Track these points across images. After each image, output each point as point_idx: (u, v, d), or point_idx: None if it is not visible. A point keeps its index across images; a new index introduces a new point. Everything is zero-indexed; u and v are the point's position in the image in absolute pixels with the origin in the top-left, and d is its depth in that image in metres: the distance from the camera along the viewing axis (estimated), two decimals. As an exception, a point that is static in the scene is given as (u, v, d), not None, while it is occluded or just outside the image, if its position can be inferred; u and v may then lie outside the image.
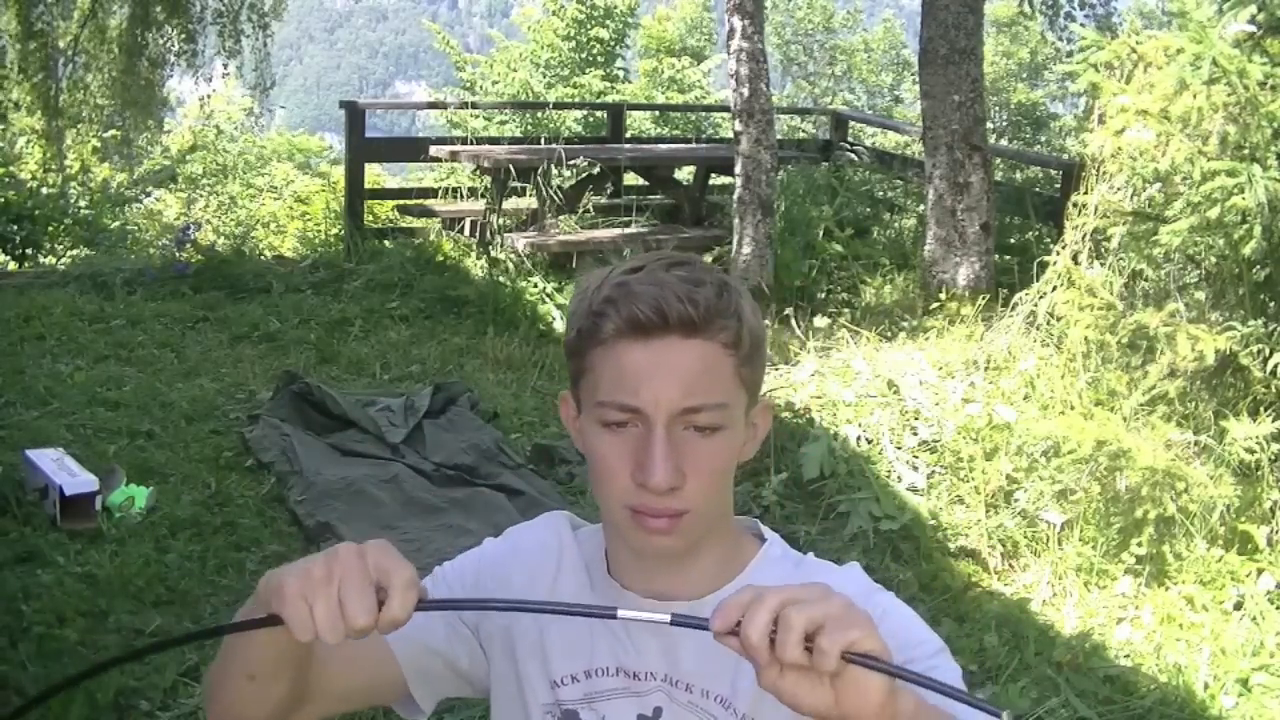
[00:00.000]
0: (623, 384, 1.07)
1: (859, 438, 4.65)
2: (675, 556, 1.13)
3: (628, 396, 1.06)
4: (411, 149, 10.36)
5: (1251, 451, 4.11)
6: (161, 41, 10.96)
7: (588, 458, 1.14)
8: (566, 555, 1.23)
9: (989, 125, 7.88)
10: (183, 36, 10.92)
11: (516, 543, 1.27)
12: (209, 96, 13.06)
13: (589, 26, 17.87)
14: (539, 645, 1.20)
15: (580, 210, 8.22)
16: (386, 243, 7.98)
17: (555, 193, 7.86)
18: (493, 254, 7.35)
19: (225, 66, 11.41)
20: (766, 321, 6.60)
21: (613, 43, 18.21)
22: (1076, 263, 4.80)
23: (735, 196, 6.96)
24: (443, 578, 1.26)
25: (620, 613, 0.94)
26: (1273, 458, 4.13)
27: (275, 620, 0.90)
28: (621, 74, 18.64)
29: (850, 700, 0.86)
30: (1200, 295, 4.72)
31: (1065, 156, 11.64)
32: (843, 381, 4.97)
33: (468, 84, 18.00)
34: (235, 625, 0.96)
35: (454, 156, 8.39)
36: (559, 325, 6.81)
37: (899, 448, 4.58)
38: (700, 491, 1.08)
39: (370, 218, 8.78)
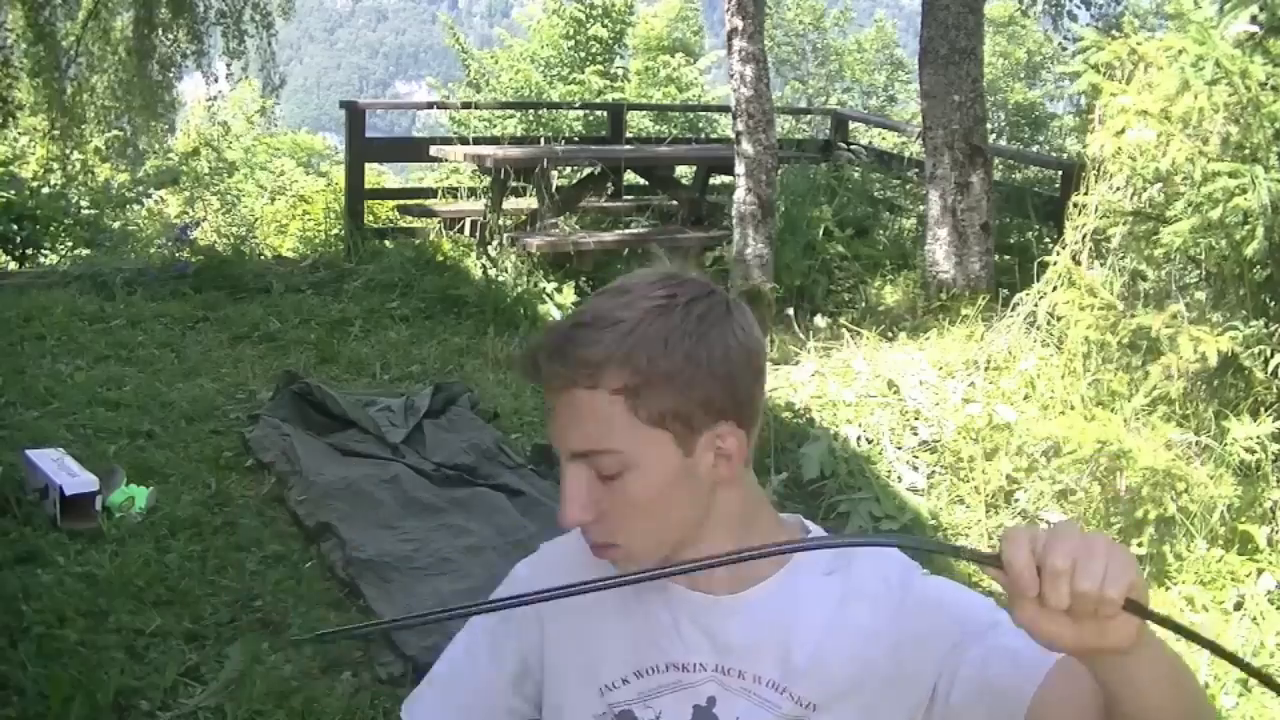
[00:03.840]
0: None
1: (859, 438, 4.65)
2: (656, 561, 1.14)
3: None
4: (411, 149, 10.37)
5: (1252, 452, 4.12)
6: (168, 43, 10.97)
7: None
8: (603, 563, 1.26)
9: (988, 125, 7.88)
10: (188, 37, 10.93)
11: (548, 565, 1.28)
12: (218, 98, 13.09)
13: (587, 25, 17.89)
14: (578, 660, 1.22)
15: (580, 210, 8.22)
16: (387, 243, 7.98)
17: (555, 193, 7.86)
18: (492, 254, 7.35)
19: (229, 67, 11.41)
20: (766, 324, 6.61)
21: (611, 41, 18.22)
22: (1077, 263, 4.80)
23: (735, 197, 6.96)
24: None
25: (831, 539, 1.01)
26: (1273, 458, 4.13)
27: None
28: (621, 73, 18.65)
29: (1111, 636, 0.86)
30: (1201, 296, 4.72)
31: (1065, 156, 11.65)
32: (843, 381, 4.97)
33: (473, 81, 18.02)
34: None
35: (454, 156, 8.39)
36: (559, 325, 6.81)
37: (899, 448, 4.58)
38: (620, 524, 1.09)
39: (370, 218, 8.78)
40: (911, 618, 1.14)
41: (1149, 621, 0.87)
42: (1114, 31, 4.88)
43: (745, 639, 1.16)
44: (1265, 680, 0.92)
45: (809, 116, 13.91)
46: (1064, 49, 15.67)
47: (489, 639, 1.27)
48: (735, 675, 1.16)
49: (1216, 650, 0.91)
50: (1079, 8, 12.86)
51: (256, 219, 11.70)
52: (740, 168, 6.88)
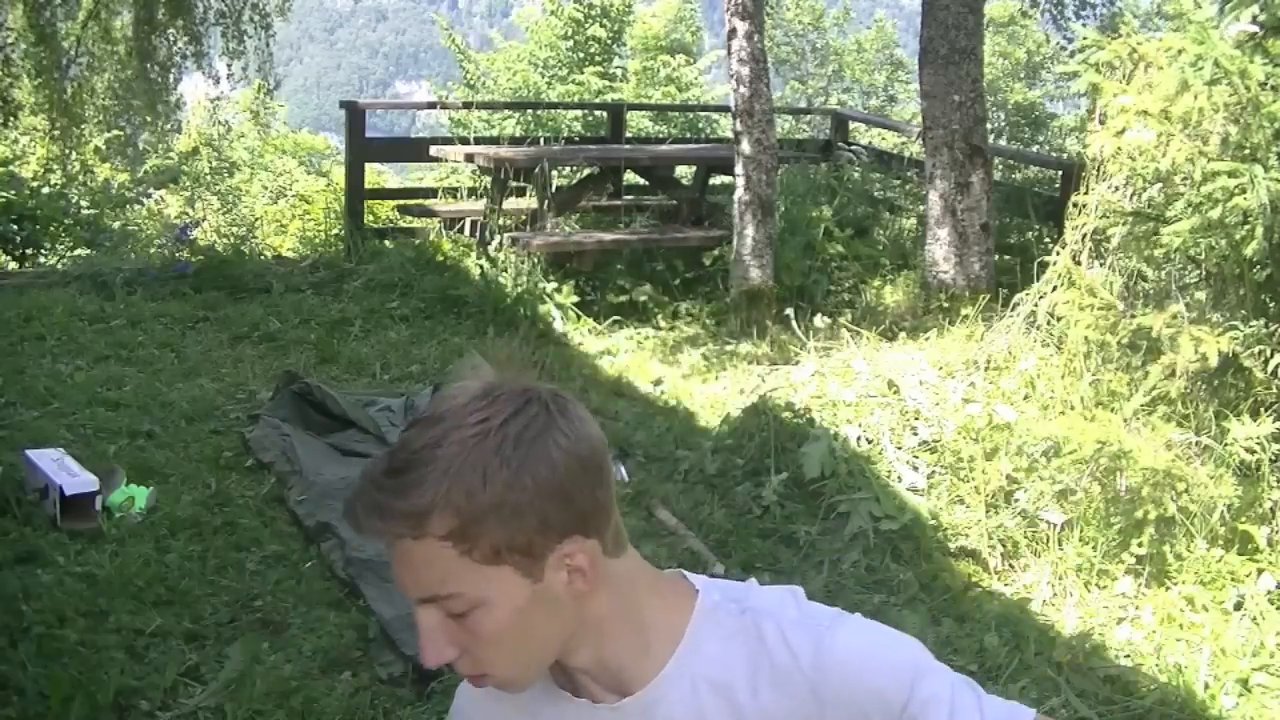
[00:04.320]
0: None
1: (859, 438, 4.65)
2: (532, 684, 1.12)
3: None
4: (411, 149, 10.37)
5: (1252, 452, 4.11)
6: (168, 43, 10.98)
7: None
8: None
9: (988, 125, 7.88)
10: (187, 38, 10.94)
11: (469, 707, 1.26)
12: (221, 98, 13.09)
13: (586, 25, 17.89)
14: None
15: (580, 210, 8.22)
16: (387, 243, 7.98)
17: (555, 193, 7.86)
18: (492, 254, 7.35)
19: (229, 67, 11.42)
20: (768, 323, 6.61)
21: (609, 41, 18.22)
22: (1077, 263, 4.80)
23: (736, 197, 6.96)
24: None
25: None
26: (1273, 458, 4.13)
27: None
28: (619, 73, 18.65)
29: None
30: (1201, 296, 4.72)
31: (1065, 156, 11.65)
32: (843, 381, 4.97)
33: (471, 81, 18.02)
34: None
35: (454, 156, 8.39)
36: (559, 325, 6.82)
37: (899, 448, 4.58)
38: (484, 656, 1.06)
39: (370, 218, 8.78)
40: (830, 699, 1.07)
41: None
42: (1109, 33, 4.88)
43: None
44: None
45: (809, 116, 13.91)
46: (1063, 48, 15.68)
47: None
48: None
49: None
50: (1081, 8, 12.87)
51: (257, 219, 11.70)
52: (740, 168, 6.88)
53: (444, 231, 7.86)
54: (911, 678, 1.06)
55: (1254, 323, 4.36)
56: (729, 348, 6.50)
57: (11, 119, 10.85)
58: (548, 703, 1.15)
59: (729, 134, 7.50)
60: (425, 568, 1.01)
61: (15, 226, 8.98)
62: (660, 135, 13.90)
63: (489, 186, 7.73)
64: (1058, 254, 4.91)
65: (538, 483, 1.01)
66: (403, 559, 1.02)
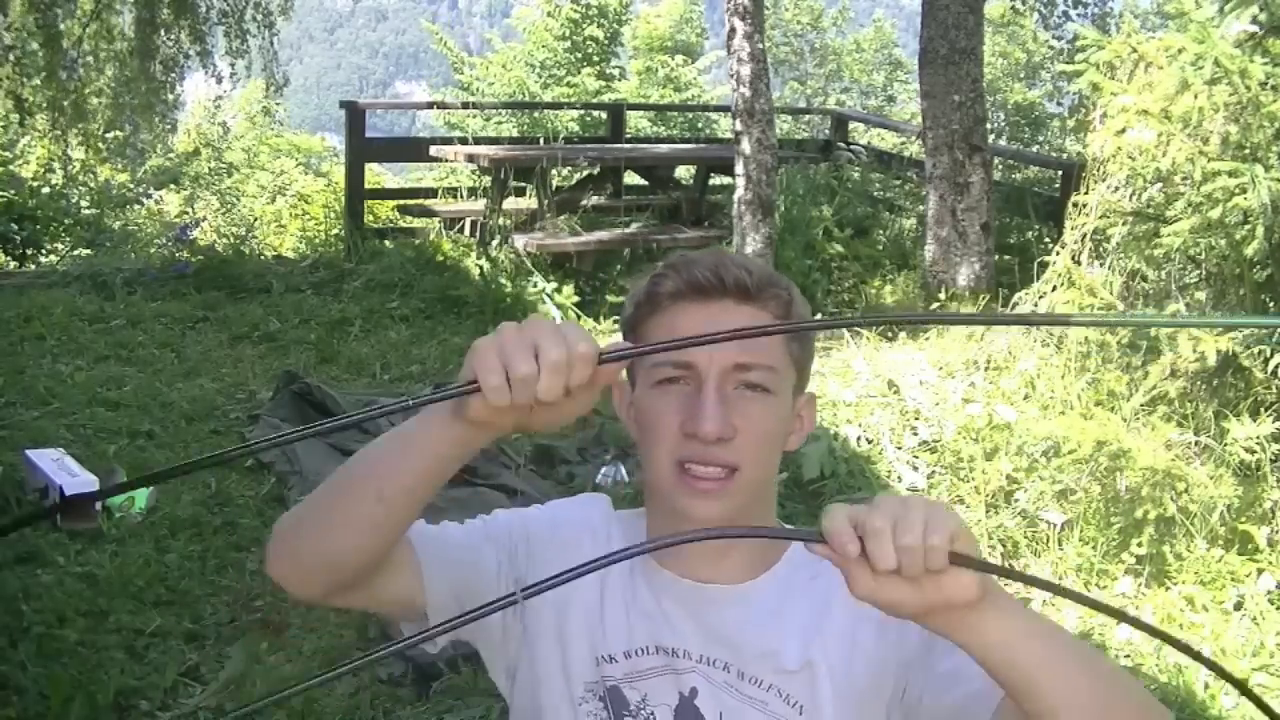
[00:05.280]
0: None
1: (859, 438, 4.65)
2: (720, 524, 1.14)
3: (681, 353, 1.12)
4: (411, 149, 10.36)
5: (1252, 452, 4.11)
6: (170, 43, 10.97)
7: (639, 423, 1.18)
8: (613, 533, 1.26)
9: (988, 125, 7.88)
10: (190, 37, 10.93)
11: (566, 516, 1.29)
12: (222, 98, 13.07)
13: (584, 26, 17.88)
14: (592, 621, 1.22)
15: (580, 210, 8.22)
16: (386, 243, 7.98)
17: (555, 193, 7.86)
18: (492, 254, 7.35)
19: (232, 67, 11.41)
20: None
21: (607, 41, 18.22)
22: (1076, 263, 4.80)
23: (736, 197, 6.96)
24: (498, 525, 1.28)
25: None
26: (1273, 458, 4.13)
27: (474, 387, 0.89)
28: (617, 73, 18.64)
29: (949, 588, 0.87)
30: (1201, 296, 4.72)
31: (1065, 156, 11.65)
32: (843, 381, 4.97)
33: (465, 85, 18.01)
34: (434, 396, 0.93)
35: (454, 157, 8.39)
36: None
37: (899, 448, 4.58)
38: (750, 448, 1.12)
39: (370, 218, 8.78)
40: (894, 627, 1.12)
41: (997, 578, 0.89)
42: (1101, 32, 4.87)
43: (735, 634, 1.17)
44: (1177, 644, 0.94)
45: (809, 116, 13.91)
46: (1052, 48, 15.66)
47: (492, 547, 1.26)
48: (721, 668, 1.17)
49: (1043, 585, 0.96)
50: (1073, 6, 12.86)
51: (256, 219, 11.69)
52: (740, 167, 6.88)
53: (444, 231, 7.86)
54: None
55: (1254, 323, 4.36)
56: (729, 348, 6.49)
57: (26, 118, 10.85)
58: (652, 572, 1.21)
59: (729, 134, 7.50)
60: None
61: (15, 226, 8.98)
62: (660, 135, 13.89)
63: (489, 186, 7.73)
64: (1057, 254, 4.91)
65: (813, 341, 1.24)
66: (734, 319, 1.13)
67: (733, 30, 6.77)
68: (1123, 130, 4.58)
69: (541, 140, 9.28)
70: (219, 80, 11.69)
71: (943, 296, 6.40)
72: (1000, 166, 8.71)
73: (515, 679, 1.27)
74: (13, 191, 9.34)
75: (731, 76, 6.91)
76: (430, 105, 13.62)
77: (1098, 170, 4.86)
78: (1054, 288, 4.87)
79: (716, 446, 1.11)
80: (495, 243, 7.36)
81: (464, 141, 8.81)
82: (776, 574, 1.20)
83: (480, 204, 7.87)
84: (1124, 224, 4.76)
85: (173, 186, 13.38)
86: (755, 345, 1.12)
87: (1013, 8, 15.35)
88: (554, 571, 1.14)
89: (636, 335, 1.19)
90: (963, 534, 0.86)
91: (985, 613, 0.89)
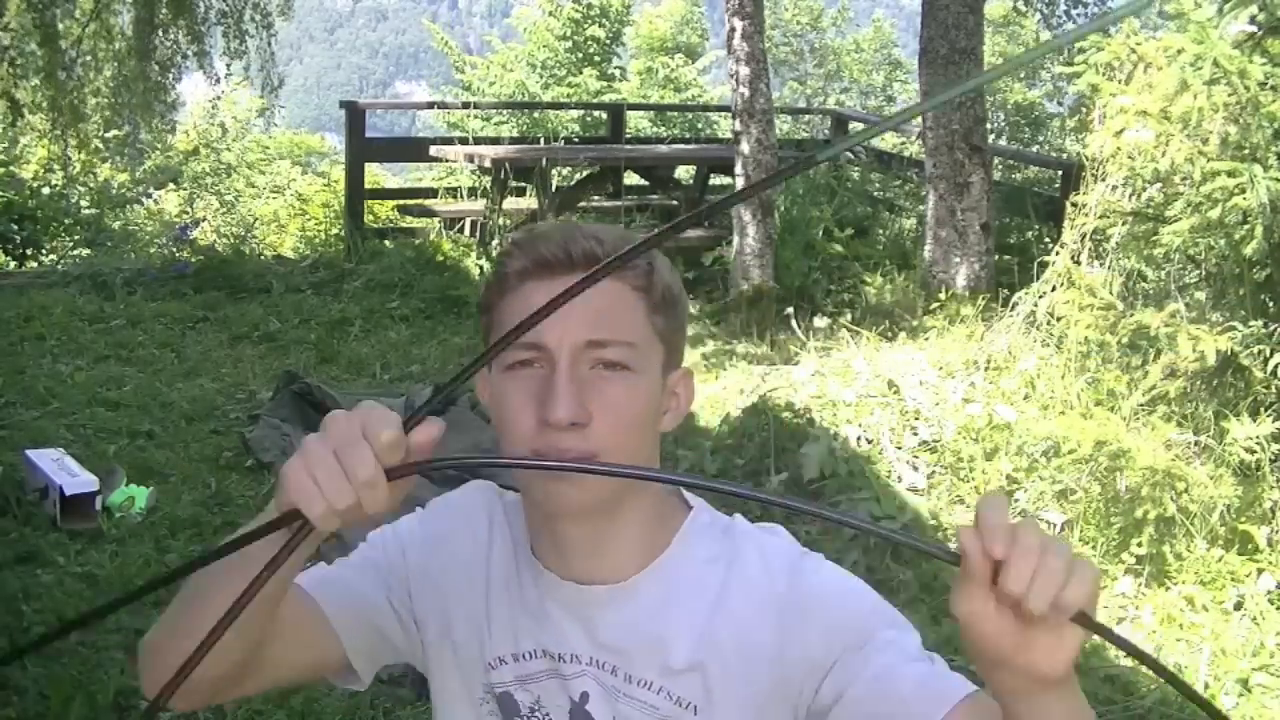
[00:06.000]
0: None
1: (859, 438, 4.65)
2: (585, 515, 1.07)
3: (531, 334, 0.99)
4: (411, 149, 10.37)
5: (1252, 452, 4.12)
6: (169, 43, 10.97)
7: (496, 414, 1.09)
8: (497, 533, 1.19)
9: (988, 125, 7.89)
10: (189, 38, 10.93)
11: (439, 529, 1.22)
12: (219, 99, 13.07)
13: (585, 26, 17.88)
14: (480, 624, 1.17)
15: (580, 210, 8.22)
16: (386, 243, 7.99)
17: (555, 193, 7.86)
18: (492, 254, 7.35)
19: (229, 67, 11.42)
20: (769, 325, 6.61)
21: (608, 41, 18.22)
22: (1076, 263, 4.80)
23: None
24: (375, 552, 1.21)
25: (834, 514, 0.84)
26: (1273, 458, 4.13)
27: (294, 515, 0.83)
28: (618, 73, 18.64)
29: (1051, 653, 0.78)
30: (1200, 295, 4.72)
31: (1064, 156, 11.65)
32: (843, 381, 4.97)
33: (465, 85, 18.02)
34: (253, 533, 0.84)
35: (454, 157, 8.40)
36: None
37: (899, 448, 4.59)
38: (609, 433, 1.03)
39: (370, 218, 8.79)
40: (797, 622, 1.07)
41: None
42: (1102, 33, 4.87)
43: (620, 638, 1.11)
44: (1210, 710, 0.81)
45: (809, 116, 13.90)
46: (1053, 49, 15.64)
47: (375, 574, 1.20)
48: (609, 672, 1.12)
49: (1170, 679, 0.80)
50: (1073, 6, 12.87)
51: (256, 219, 11.70)
52: (740, 168, 6.88)
53: (444, 231, 7.86)
54: (882, 622, 1.06)
55: (1253, 322, 4.36)
56: (729, 347, 6.49)
57: (20, 118, 10.85)
58: (537, 572, 1.14)
59: (729, 134, 7.50)
60: (608, 307, 1.04)
61: (15, 226, 8.99)
62: (660, 136, 13.89)
63: (489, 186, 7.73)
64: (1057, 254, 4.92)
65: (685, 308, 1.15)
66: (586, 297, 1.00)
67: (732, 30, 6.77)
68: (1122, 130, 4.58)
69: (542, 140, 9.28)
70: (216, 80, 11.70)
71: (943, 296, 6.40)
72: (1000, 166, 8.72)
73: (431, 685, 1.24)
74: (13, 191, 9.35)
75: (731, 76, 6.91)
76: (430, 105, 13.62)
77: (1097, 170, 4.86)
78: (1054, 287, 4.87)
79: (570, 433, 1.02)
80: (495, 243, 7.36)
81: (464, 141, 8.81)
82: (664, 564, 1.12)
83: (480, 204, 7.87)
84: (1123, 224, 4.76)
85: (172, 186, 13.39)
86: (611, 321, 1.04)
87: (1014, 8, 15.36)
88: (432, 602, 1.12)
89: (489, 317, 1.14)
90: (1094, 603, 0.76)
91: (1059, 696, 0.81)
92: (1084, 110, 7.82)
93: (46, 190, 10.22)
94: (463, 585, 1.18)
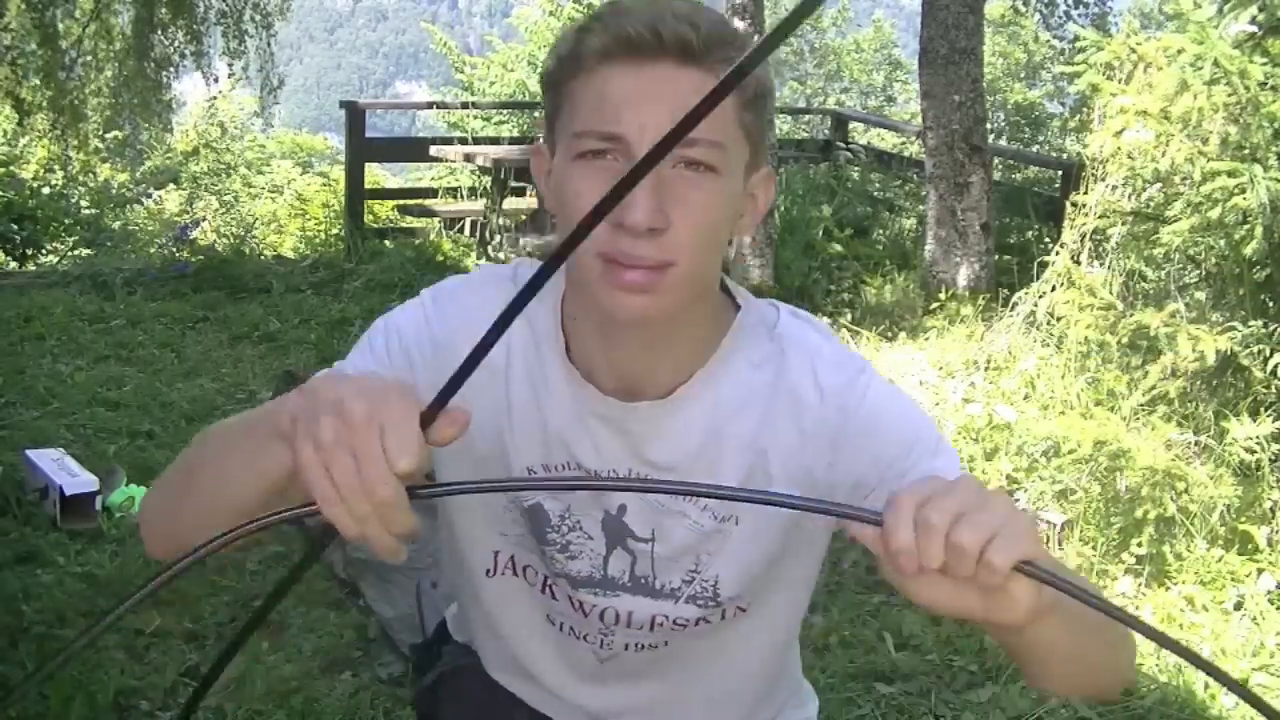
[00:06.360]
0: (604, 110, 0.94)
1: (859, 438, 4.65)
2: (650, 324, 0.99)
3: (609, 123, 0.93)
4: (411, 149, 10.38)
5: (1252, 452, 4.12)
6: (167, 43, 10.99)
7: (557, 200, 1.00)
8: (515, 337, 1.09)
9: (988, 125, 7.89)
10: (188, 37, 10.94)
11: (460, 328, 1.10)
12: (217, 98, 13.09)
13: (586, 26, 17.89)
14: (502, 436, 1.10)
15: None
16: (386, 243, 7.99)
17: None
18: (492, 254, 7.35)
19: (230, 67, 11.44)
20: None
21: (611, 42, 18.24)
22: (1076, 262, 4.80)
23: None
24: (380, 351, 1.13)
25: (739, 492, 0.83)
26: (1273, 458, 4.13)
27: (315, 509, 0.80)
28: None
29: (1000, 607, 0.76)
30: (1201, 295, 4.72)
31: (1065, 156, 11.65)
32: (843, 381, 4.96)
33: (465, 85, 18.03)
34: (272, 517, 0.82)
35: (454, 157, 8.40)
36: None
37: (899, 448, 4.59)
38: (687, 241, 0.95)
39: (370, 218, 8.79)
40: (847, 450, 1.04)
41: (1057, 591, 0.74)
42: (1100, 32, 4.88)
43: (668, 455, 1.06)
44: (1199, 662, 0.76)
45: (809, 116, 13.91)
46: (1052, 48, 15.67)
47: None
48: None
49: (1110, 612, 0.73)
50: (1074, 6, 12.87)
51: (255, 219, 11.70)
52: (740, 168, 6.88)
53: (444, 231, 7.87)
54: (926, 451, 1.04)
55: (1253, 323, 4.37)
56: (729, 348, 6.49)
57: (25, 118, 10.87)
58: (557, 376, 1.07)
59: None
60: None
61: (15, 226, 8.99)
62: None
63: (489, 186, 7.74)
64: (1057, 254, 4.92)
65: (775, 98, 1.05)
66: (673, 86, 0.93)
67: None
68: (1122, 130, 4.58)
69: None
70: (215, 80, 11.72)
71: (943, 296, 6.41)
72: (1000, 166, 8.72)
73: (440, 518, 1.17)
74: (13, 191, 9.35)
75: (731, 76, 6.91)
76: (430, 105, 13.62)
77: (1097, 170, 4.86)
78: (1054, 287, 4.87)
79: (646, 239, 0.93)
80: (495, 242, 7.37)
81: (464, 141, 8.81)
82: (713, 371, 1.06)
83: (480, 204, 7.88)
84: (1123, 224, 4.76)
85: (172, 186, 13.39)
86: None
87: (1014, 8, 15.37)
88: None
89: (558, 96, 1.00)
90: (1037, 555, 0.74)
91: (1034, 627, 0.79)
92: (1084, 110, 7.82)
93: (46, 190, 10.22)
94: (482, 398, 1.07)
